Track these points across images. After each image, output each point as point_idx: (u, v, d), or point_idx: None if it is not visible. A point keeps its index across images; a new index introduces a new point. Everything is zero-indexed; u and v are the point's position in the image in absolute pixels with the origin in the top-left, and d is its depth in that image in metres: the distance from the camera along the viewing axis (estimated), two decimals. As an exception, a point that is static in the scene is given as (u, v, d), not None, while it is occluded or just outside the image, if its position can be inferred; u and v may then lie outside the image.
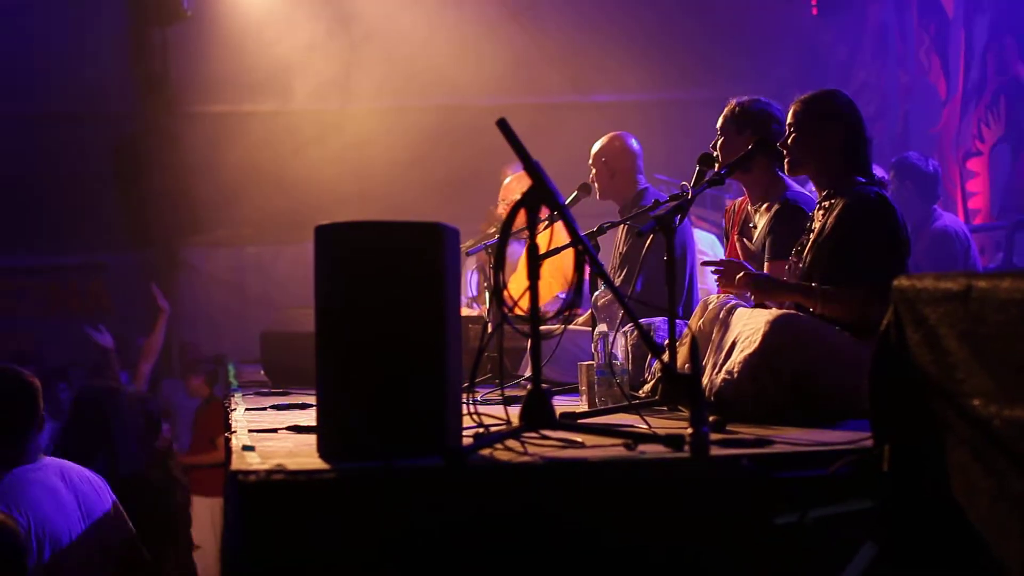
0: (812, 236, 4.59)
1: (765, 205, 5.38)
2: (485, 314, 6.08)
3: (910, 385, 2.67)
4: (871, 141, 4.72)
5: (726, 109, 5.52)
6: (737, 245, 5.54)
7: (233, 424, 4.34)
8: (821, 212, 4.62)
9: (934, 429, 2.60)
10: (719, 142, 5.46)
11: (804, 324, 4.24)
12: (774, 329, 4.15)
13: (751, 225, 5.46)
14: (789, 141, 4.70)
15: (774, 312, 4.28)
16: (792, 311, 4.41)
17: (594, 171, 6.60)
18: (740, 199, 5.76)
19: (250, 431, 3.91)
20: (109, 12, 12.66)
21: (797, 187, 5.36)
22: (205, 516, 10.34)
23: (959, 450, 2.52)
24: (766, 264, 5.16)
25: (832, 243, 4.45)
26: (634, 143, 6.67)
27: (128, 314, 12.75)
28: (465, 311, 7.01)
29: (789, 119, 4.72)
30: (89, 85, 12.61)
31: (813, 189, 4.91)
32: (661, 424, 3.86)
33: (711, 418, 3.50)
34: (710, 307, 4.60)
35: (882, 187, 4.59)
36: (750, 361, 4.14)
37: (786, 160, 4.72)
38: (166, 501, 6.98)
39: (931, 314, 2.58)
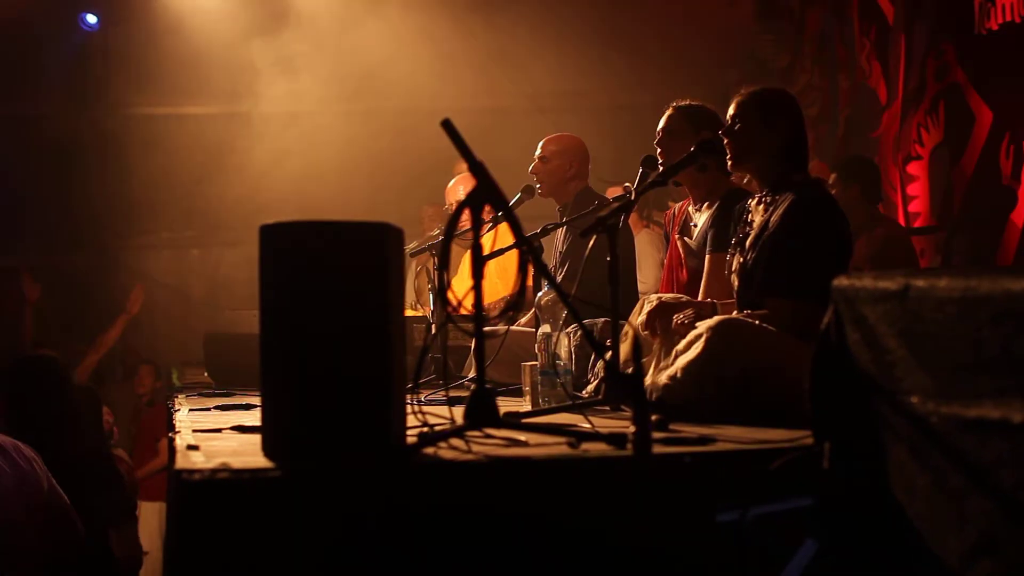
0: (754, 232, 4.60)
1: (706, 203, 5.42)
2: (429, 315, 6.09)
3: (850, 383, 2.69)
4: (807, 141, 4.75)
5: (669, 110, 5.54)
6: (679, 245, 5.58)
7: (177, 424, 4.33)
8: (762, 207, 4.64)
9: (873, 427, 2.63)
10: (663, 142, 5.48)
11: (745, 328, 4.26)
12: (716, 334, 4.16)
13: (692, 224, 5.50)
14: (732, 133, 4.69)
15: (716, 318, 4.30)
16: (733, 316, 4.43)
17: (544, 166, 6.61)
18: (682, 202, 5.79)
19: (194, 431, 3.90)
20: (50, 12, 12.53)
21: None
22: (153, 521, 10.26)
23: (898, 447, 2.55)
24: (707, 256, 5.19)
25: (777, 241, 4.46)
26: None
27: (68, 317, 12.64)
28: (409, 312, 7.02)
29: (733, 110, 4.71)
30: (29, 86, 12.49)
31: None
32: (604, 423, 3.88)
33: (654, 417, 3.53)
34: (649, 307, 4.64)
35: (823, 185, 4.63)
36: (692, 366, 4.15)
37: (728, 152, 4.71)
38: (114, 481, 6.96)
39: (870, 313, 2.61)
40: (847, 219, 4.60)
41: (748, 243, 4.61)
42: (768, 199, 4.62)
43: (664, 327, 4.61)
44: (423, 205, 10.01)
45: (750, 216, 4.71)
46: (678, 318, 4.58)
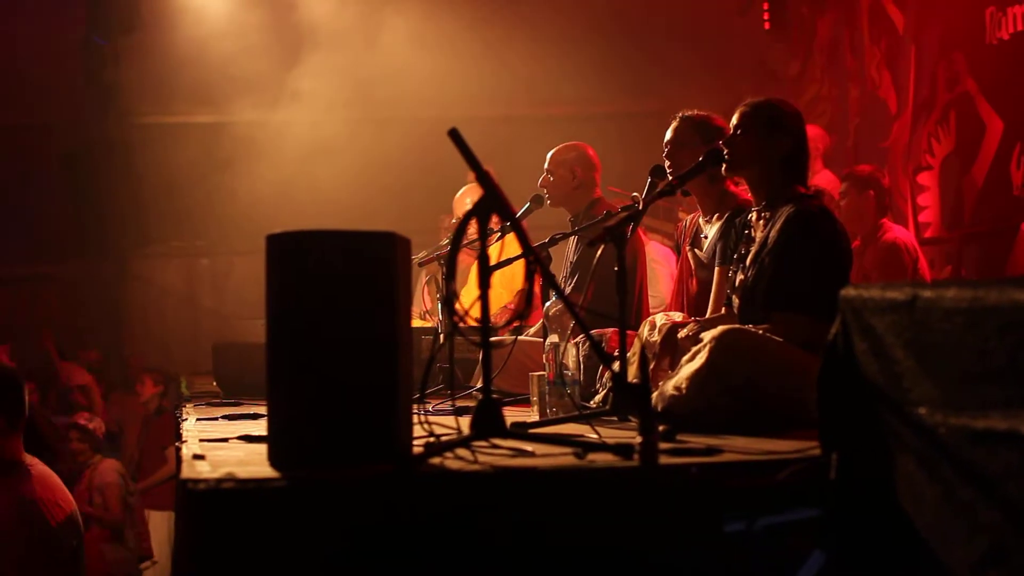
0: (754, 248, 4.60)
1: (716, 215, 5.41)
2: (438, 326, 6.08)
3: (857, 394, 2.68)
4: (809, 154, 4.74)
5: (677, 121, 5.54)
6: (689, 256, 5.57)
7: (184, 434, 4.32)
8: (762, 222, 4.63)
9: (881, 437, 2.62)
10: (671, 153, 5.48)
11: (749, 338, 4.25)
12: (719, 345, 4.15)
13: (702, 236, 5.49)
14: (733, 141, 4.68)
15: (719, 328, 4.29)
16: (737, 326, 4.42)
17: (553, 177, 6.60)
18: (693, 214, 5.78)
19: (201, 440, 3.89)
20: (62, 21, 12.56)
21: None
22: (161, 529, 10.28)
23: (905, 458, 2.54)
24: (716, 269, 5.18)
25: (776, 256, 4.45)
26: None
27: (77, 326, 12.66)
28: (418, 323, 7.01)
29: (735, 120, 4.70)
30: (41, 95, 12.52)
31: None
32: (611, 434, 3.87)
33: (661, 427, 3.51)
34: (657, 327, 4.65)
35: (820, 198, 4.61)
36: (697, 377, 4.14)
37: (726, 160, 4.69)
38: None
39: (878, 323, 2.60)
40: (845, 230, 4.59)
41: (748, 260, 4.61)
42: (767, 214, 4.61)
43: (675, 348, 4.62)
44: (441, 215, 10.00)
45: (751, 232, 4.70)
46: (682, 332, 4.59)
